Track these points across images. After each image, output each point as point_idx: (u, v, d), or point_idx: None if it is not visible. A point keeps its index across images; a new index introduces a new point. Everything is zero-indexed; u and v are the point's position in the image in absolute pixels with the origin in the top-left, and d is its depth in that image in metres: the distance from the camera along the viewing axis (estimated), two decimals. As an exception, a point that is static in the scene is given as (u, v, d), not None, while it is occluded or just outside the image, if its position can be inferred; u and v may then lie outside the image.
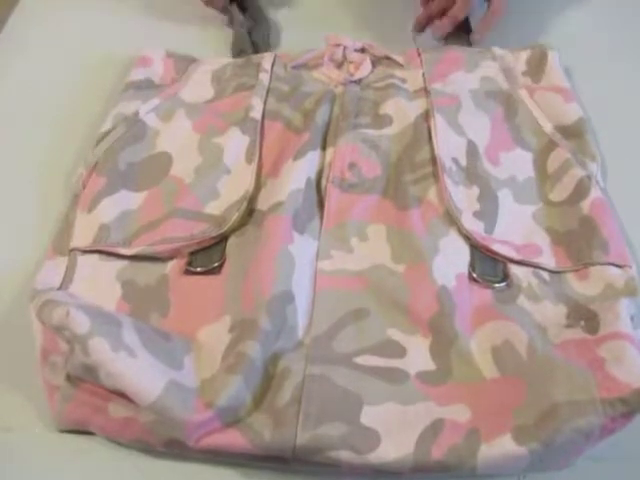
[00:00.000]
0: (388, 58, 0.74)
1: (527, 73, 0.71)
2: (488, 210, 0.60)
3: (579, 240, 0.57)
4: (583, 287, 0.55)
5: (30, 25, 0.83)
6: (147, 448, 0.49)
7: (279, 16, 0.83)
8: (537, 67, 0.71)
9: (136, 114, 0.67)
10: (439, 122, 0.65)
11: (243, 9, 0.76)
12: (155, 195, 0.62)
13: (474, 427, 0.46)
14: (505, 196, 0.61)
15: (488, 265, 0.56)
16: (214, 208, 0.60)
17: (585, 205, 0.59)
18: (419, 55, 0.74)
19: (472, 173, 0.62)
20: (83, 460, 0.50)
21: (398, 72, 0.72)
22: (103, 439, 0.50)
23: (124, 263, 0.57)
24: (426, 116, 0.67)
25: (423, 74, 0.71)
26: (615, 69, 0.77)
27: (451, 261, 0.56)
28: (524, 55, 0.73)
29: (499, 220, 0.59)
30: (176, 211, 0.60)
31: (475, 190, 0.61)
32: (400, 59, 0.73)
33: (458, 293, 0.54)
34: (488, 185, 0.62)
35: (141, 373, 0.46)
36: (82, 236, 0.58)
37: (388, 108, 0.68)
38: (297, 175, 0.61)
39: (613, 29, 0.82)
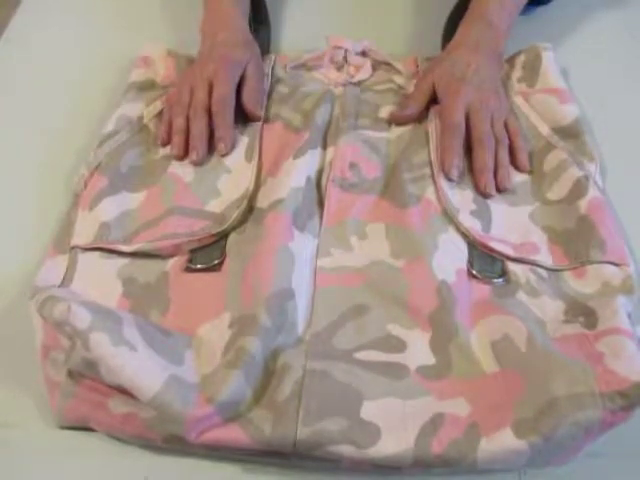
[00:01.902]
0: (387, 64, 0.75)
1: (522, 79, 0.72)
2: (484, 211, 0.60)
3: (576, 239, 0.58)
4: (580, 285, 0.55)
5: (31, 26, 0.83)
6: (147, 444, 0.49)
7: (280, 17, 0.84)
8: (531, 70, 0.71)
9: (141, 119, 0.68)
10: (437, 126, 0.66)
11: (254, 10, 0.77)
12: (154, 194, 0.62)
13: (474, 421, 0.46)
14: (497, 203, 0.61)
15: (486, 262, 0.57)
16: (214, 206, 0.60)
17: (582, 204, 0.59)
18: (417, 65, 0.75)
19: (467, 177, 0.63)
20: (83, 456, 0.50)
21: (397, 78, 0.73)
22: (103, 435, 0.51)
23: (125, 261, 0.57)
24: (424, 121, 0.67)
25: None
26: (614, 69, 0.77)
27: (450, 257, 0.56)
28: (519, 61, 0.73)
29: (494, 221, 0.60)
30: (176, 209, 0.60)
31: (469, 193, 0.62)
32: (399, 66, 0.74)
33: (458, 288, 0.54)
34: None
35: (141, 368, 0.46)
36: (83, 234, 0.58)
37: (387, 113, 0.69)
38: (297, 173, 0.61)
39: (612, 28, 0.82)
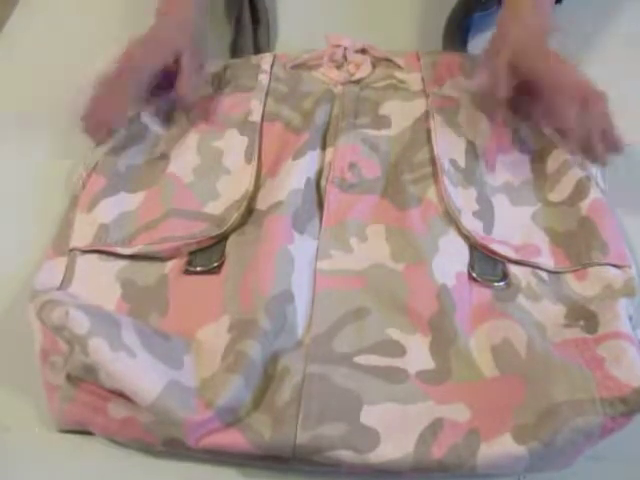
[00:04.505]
0: (388, 60, 0.74)
1: None
2: (486, 211, 0.60)
3: (578, 241, 0.57)
4: (582, 287, 0.55)
5: (31, 25, 0.83)
6: (147, 448, 0.49)
7: (280, 16, 0.84)
8: None
9: (137, 116, 0.67)
10: (439, 122, 0.65)
11: (252, 9, 0.77)
12: (153, 195, 0.62)
13: (474, 427, 0.46)
14: (500, 201, 0.61)
15: (487, 265, 0.56)
16: (214, 208, 0.60)
17: (584, 206, 0.59)
18: (418, 59, 0.74)
19: (470, 175, 0.62)
20: (82, 460, 0.50)
21: (397, 74, 0.73)
22: (102, 439, 0.50)
23: (123, 263, 0.57)
24: (425, 117, 0.67)
25: (422, 78, 0.71)
26: (614, 69, 0.77)
27: (451, 260, 0.56)
28: None
29: (497, 221, 0.59)
30: (175, 211, 0.60)
31: (473, 192, 0.61)
32: (400, 61, 0.74)
33: (458, 292, 0.54)
34: (484, 189, 0.62)
35: (140, 373, 0.46)
36: (81, 236, 0.58)
37: (387, 109, 0.68)
38: (297, 175, 0.61)
39: (613, 29, 0.82)
